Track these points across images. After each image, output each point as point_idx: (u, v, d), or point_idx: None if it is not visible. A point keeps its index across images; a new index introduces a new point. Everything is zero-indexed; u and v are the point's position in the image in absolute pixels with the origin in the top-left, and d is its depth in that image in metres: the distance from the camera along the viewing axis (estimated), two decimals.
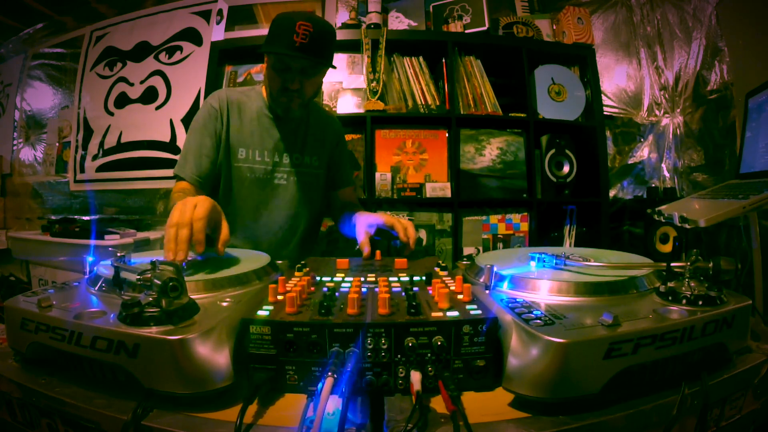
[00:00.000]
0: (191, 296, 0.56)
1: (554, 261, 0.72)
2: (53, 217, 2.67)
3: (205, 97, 1.43)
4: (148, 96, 2.65)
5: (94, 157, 2.73)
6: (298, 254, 1.29)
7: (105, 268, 0.70)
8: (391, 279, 0.74)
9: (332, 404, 0.43)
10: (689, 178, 2.41)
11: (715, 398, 0.52)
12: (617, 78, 2.50)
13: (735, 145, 2.21)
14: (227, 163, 1.21)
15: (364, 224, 1.08)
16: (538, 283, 0.63)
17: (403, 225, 1.05)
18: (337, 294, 0.63)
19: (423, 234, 2.12)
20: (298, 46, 1.07)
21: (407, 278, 0.75)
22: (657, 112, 2.47)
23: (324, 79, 1.27)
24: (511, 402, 0.50)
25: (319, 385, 0.44)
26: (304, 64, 1.12)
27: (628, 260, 0.75)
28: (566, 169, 2.21)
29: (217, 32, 2.41)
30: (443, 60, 2.13)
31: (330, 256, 1.01)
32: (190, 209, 0.73)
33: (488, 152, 2.16)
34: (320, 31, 1.09)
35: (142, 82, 2.67)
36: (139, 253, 0.82)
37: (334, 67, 1.18)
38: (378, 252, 0.98)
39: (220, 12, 2.43)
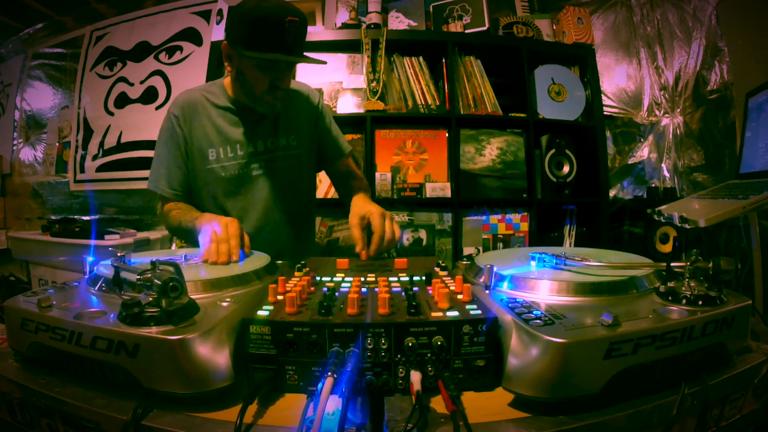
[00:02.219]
0: (191, 296, 0.56)
1: (554, 261, 0.72)
2: (53, 217, 2.67)
3: None
4: (148, 96, 2.65)
5: (94, 157, 2.74)
6: (293, 246, 1.25)
7: (105, 268, 0.70)
8: (391, 279, 0.74)
9: (332, 404, 0.43)
10: (689, 178, 2.41)
11: (715, 398, 0.52)
12: (617, 78, 2.50)
13: (735, 145, 2.21)
14: (197, 168, 1.17)
15: (357, 215, 1.04)
16: (538, 283, 0.63)
17: (389, 233, 1.01)
18: (337, 294, 0.63)
19: (423, 234, 2.12)
20: (291, 45, 1.00)
21: (407, 278, 0.75)
22: (657, 112, 2.47)
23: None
24: (511, 402, 0.50)
25: (319, 385, 0.44)
26: (298, 62, 1.08)
27: (628, 260, 0.75)
28: (566, 169, 2.21)
29: (217, 32, 2.40)
30: (443, 60, 2.12)
31: (330, 256, 1.01)
32: (224, 229, 0.87)
33: (488, 152, 2.16)
34: (303, 19, 1.02)
35: (142, 82, 2.67)
36: (139, 253, 0.82)
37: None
38: (363, 252, 0.98)
39: (220, 12, 2.43)
